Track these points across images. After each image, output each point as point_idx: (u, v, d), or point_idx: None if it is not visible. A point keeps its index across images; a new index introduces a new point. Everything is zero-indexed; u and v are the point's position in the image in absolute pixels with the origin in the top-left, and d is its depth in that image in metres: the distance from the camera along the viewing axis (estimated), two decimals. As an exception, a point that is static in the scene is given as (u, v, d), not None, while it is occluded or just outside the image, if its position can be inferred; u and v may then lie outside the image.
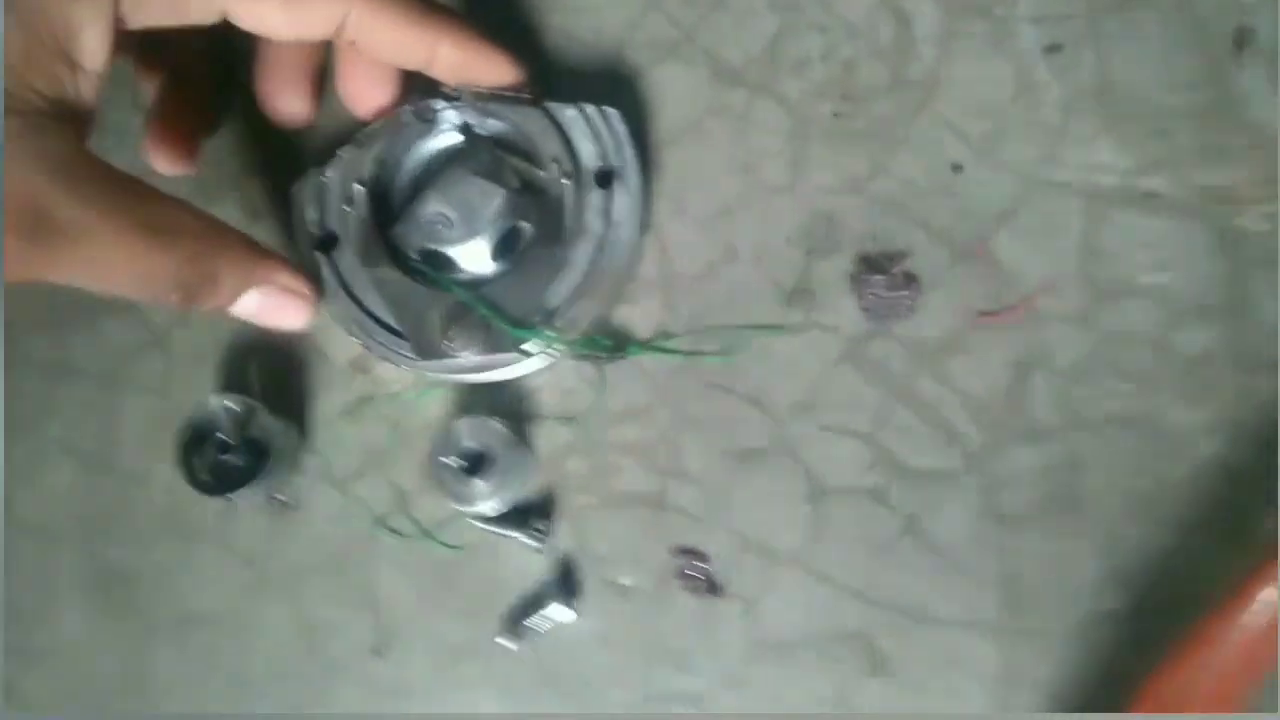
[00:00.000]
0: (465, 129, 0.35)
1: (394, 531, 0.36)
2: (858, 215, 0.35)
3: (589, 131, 0.34)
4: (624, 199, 0.33)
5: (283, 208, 0.37)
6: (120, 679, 0.37)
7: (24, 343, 0.39)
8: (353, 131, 0.36)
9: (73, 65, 0.26)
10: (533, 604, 0.34)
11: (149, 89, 0.35)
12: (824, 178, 0.35)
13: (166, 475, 0.36)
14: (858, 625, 0.33)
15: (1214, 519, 0.32)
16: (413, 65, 0.32)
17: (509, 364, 0.33)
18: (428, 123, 0.35)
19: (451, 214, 0.33)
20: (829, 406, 0.34)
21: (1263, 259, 0.33)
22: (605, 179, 0.34)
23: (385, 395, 0.37)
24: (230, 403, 0.35)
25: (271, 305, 0.31)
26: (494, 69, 0.33)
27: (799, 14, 0.36)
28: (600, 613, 0.34)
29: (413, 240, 0.33)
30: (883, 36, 0.36)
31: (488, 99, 0.34)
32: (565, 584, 0.35)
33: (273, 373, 0.37)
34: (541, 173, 0.34)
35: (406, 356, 0.33)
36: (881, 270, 0.34)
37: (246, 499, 0.35)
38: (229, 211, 0.38)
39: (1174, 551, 0.32)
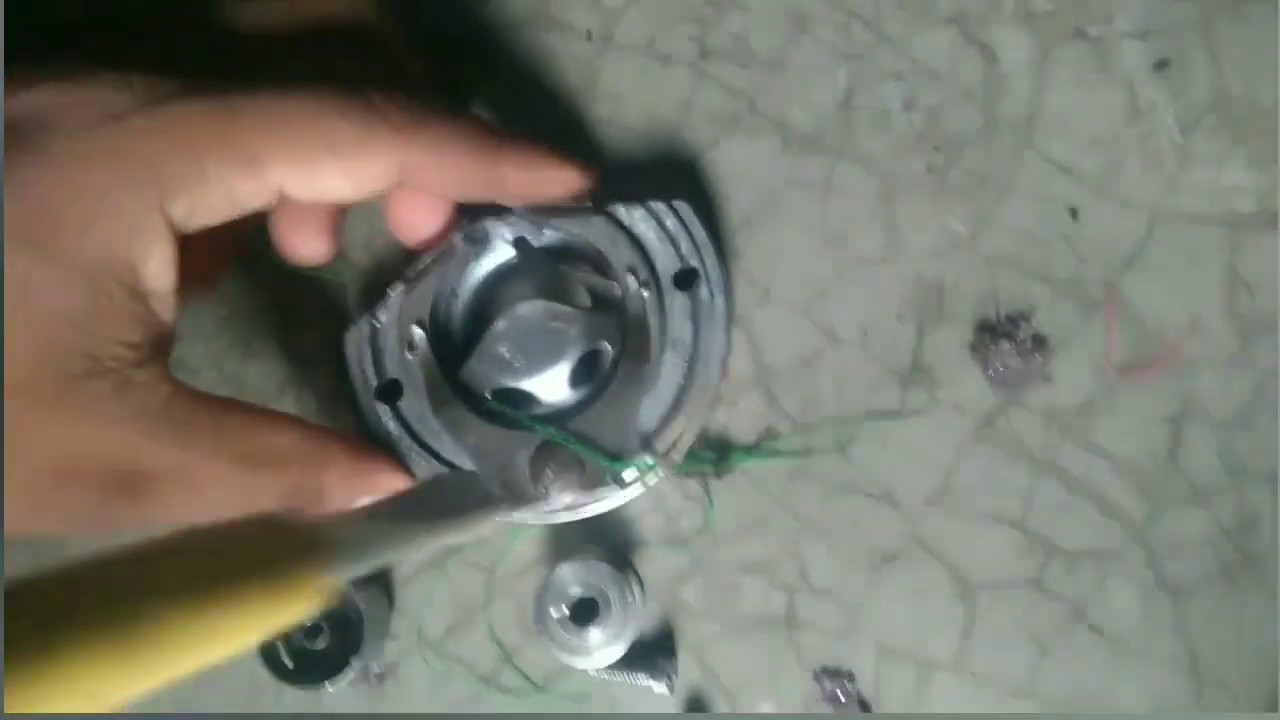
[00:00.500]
0: (519, 243, 0.45)
1: (505, 691, 0.46)
2: (969, 278, 0.45)
3: (661, 231, 0.44)
4: (709, 299, 0.43)
5: (329, 351, 0.47)
6: None
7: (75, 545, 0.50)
8: (394, 264, 0.46)
9: (143, 296, 0.34)
10: (671, 752, 0.44)
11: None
12: (924, 241, 0.45)
13: (247, 664, 0.47)
14: (1032, 713, 0.42)
15: None
16: (478, 198, 0.42)
17: (608, 498, 0.43)
18: (479, 243, 0.45)
19: (524, 346, 0.43)
20: (967, 493, 0.44)
21: None
22: (686, 280, 0.44)
23: (473, 543, 0.47)
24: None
25: None
26: (563, 181, 0.42)
27: (869, 63, 0.46)
28: (744, 753, 0.44)
29: (484, 379, 0.44)
30: (968, 75, 0.46)
31: (545, 211, 0.44)
32: (701, 726, 0.44)
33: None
34: (615, 285, 0.44)
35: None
36: (1006, 336, 0.44)
37: (339, 683, 0.45)
38: (274, 365, 0.49)
39: (1371, 609, 0.41)
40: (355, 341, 0.45)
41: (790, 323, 0.46)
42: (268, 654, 0.46)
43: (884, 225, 0.46)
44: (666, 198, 0.44)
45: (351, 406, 0.45)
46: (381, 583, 0.48)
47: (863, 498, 0.45)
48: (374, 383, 0.44)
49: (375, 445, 0.43)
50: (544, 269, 0.45)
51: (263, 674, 0.46)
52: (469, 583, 0.47)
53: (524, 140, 0.41)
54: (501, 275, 0.46)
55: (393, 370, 0.44)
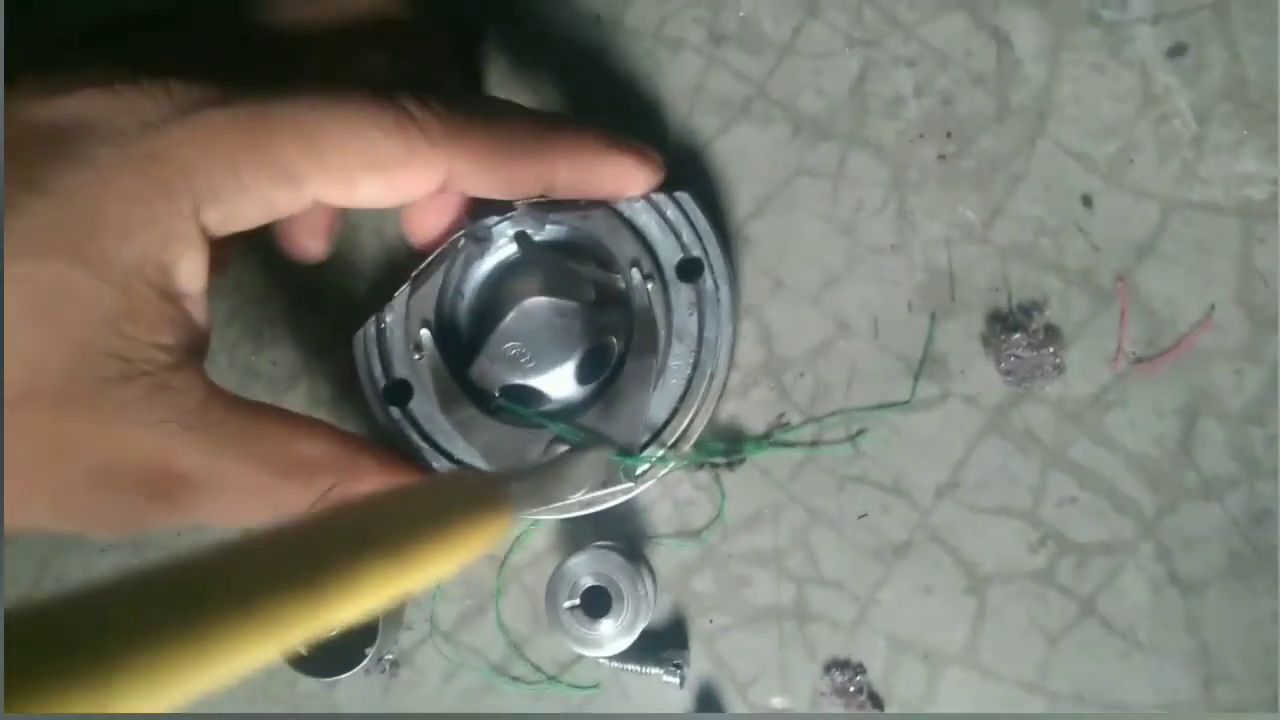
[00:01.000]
0: (521, 238, 0.45)
1: (516, 680, 0.46)
2: (981, 267, 0.45)
3: (662, 222, 0.44)
4: (714, 289, 0.43)
5: (342, 340, 0.47)
6: None
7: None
8: (404, 251, 0.46)
9: (176, 298, 0.34)
10: (681, 743, 0.45)
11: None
12: (936, 229, 0.45)
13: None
14: (1039, 713, 0.43)
15: None
16: (526, 196, 0.42)
17: (619, 492, 0.43)
18: (482, 241, 0.45)
19: (530, 343, 0.43)
20: (978, 485, 0.44)
21: None
22: (690, 271, 0.44)
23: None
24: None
25: None
26: (625, 176, 0.42)
27: (881, 48, 0.46)
28: (755, 743, 0.44)
29: (492, 377, 0.44)
30: (981, 61, 0.45)
31: (545, 205, 0.44)
32: (712, 716, 0.45)
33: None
34: (619, 278, 0.44)
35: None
36: (1018, 327, 0.44)
37: (353, 672, 0.46)
38: (286, 353, 0.49)
39: (1382, 603, 0.41)
40: (363, 343, 0.45)
41: (801, 313, 0.46)
42: (282, 644, 0.46)
43: (895, 213, 0.46)
44: (670, 187, 0.44)
45: (362, 407, 0.46)
46: (393, 573, 0.48)
47: (873, 489, 0.45)
48: (383, 384, 0.45)
49: (396, 451, 0.44)
50: (547, 264, 0.45)
51: (277, 662, 0.46)
52: (481, 573, 0.48)
53: (580, 133, 0.41)
54: (505, 272, 0.46)
55: (401, 371, 0.45)
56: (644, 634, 0.44)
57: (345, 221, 0.46)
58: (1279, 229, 0.43)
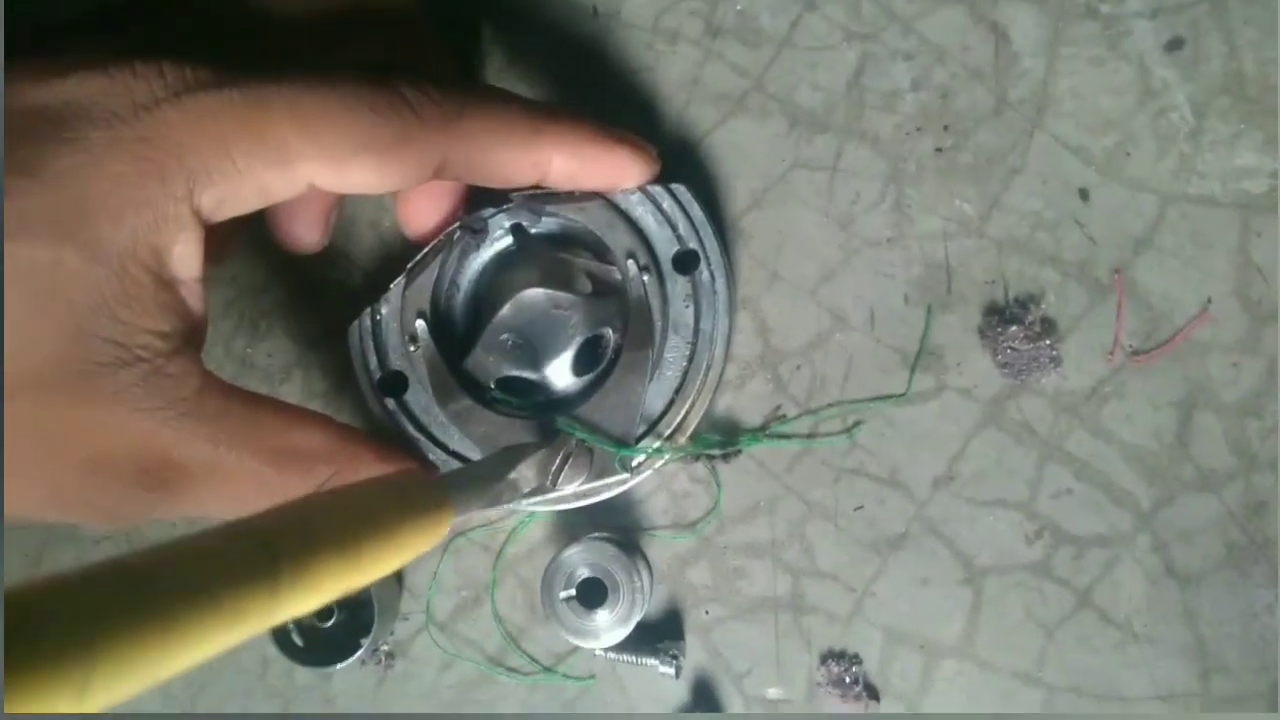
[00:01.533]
0: (516, 229, 0.45)
1: (512, 672, 0.46)
2: (977, 260, 0.45)
3: (658, 214, 0.44)
4: (710, 281, 0.43)
5: (337, 332, 0.48)
6: None
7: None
8: (399, 244, 0.47)
9: (171, 284, 0.34)
10: (677, 734, 0.45)
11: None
12: (933, 222, 0.45)
13: (257, 643, 0.47)
14: (1036, 713, 0.43)
15: None
16: (520, 185, 0.42)
17: (615, 483, 0.43)
18: (478, 233, 0.45)
19: (526, 335, 0.43)
20: (974, 478, 0.44)
21: None
22: (686, 263, 0.44)
23: (481, 526, 0.47)
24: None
25: None
26: (620, 168, 0.42)
27: (879, 42, 0.46)
28: (751, 735, 0.45)
29: (488, 369, 0.44)
30: (978, 55, 0.46)
31: (542, 197, 0.44)
32: (707, 707, 0.45)
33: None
34: (615, 270, 0.44)
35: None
36: (1015, 320, 0.44)
37: (348, 663, 0.46)
38: (282, 345, 0.49)
39: (1377, 596, 0.41)
40: (358, 335, 0.45)
41: (798, 305, 0.46)
42: (278, 633, 0.47)
43: (892, 207, 0.46)
44: (666, 180, 0.44)
45: (358, 400, 0.46)
46: (389, 565, 0.48)
47: (870, 481, 0.45)
48: (378, 376, 0.45)
49: (390, 441, 0.44)
50: (543, 256, 0.45)
51: (273, 653, 0.46)
52: (477, 564, 0.48)
53: (577, 123, 0.41)
54: (501, 264, 0.46)
55: (396, 363, 0.45)
56: (640, 625, 0.44)
57: (341, 214, 0.46)
58: (1277, 222, 0.43)
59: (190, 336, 0.36)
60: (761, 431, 0.46)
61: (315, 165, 0.35)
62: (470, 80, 0.48)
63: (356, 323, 0.45)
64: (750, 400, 0.46)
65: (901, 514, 0.45)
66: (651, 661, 0.45)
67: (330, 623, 0.46)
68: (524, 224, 0.45)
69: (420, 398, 0.44)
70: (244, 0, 0.39)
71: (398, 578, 0.48)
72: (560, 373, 0.44)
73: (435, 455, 0.44)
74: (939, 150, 0.46)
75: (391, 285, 0.45)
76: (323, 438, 0.38)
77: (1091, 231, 0.44)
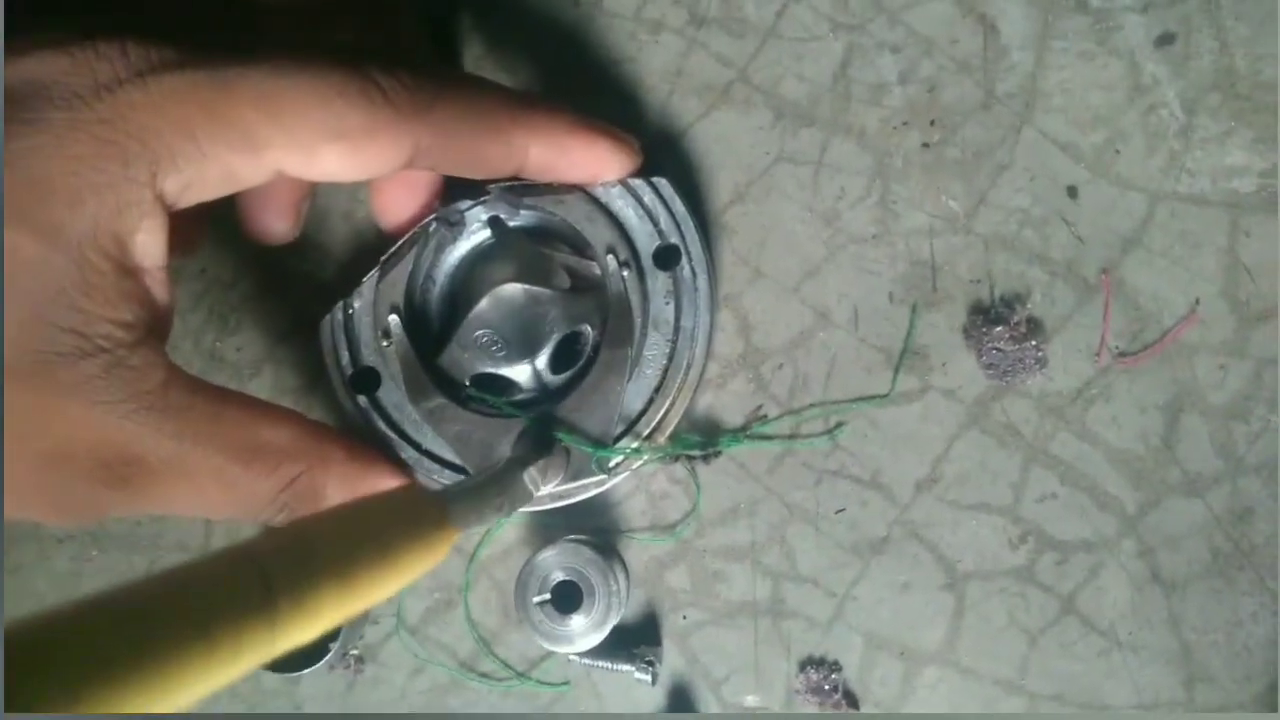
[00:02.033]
0: (494, 222, 0.44)
1: (484, 677, 0.46)
2: (964, 258, 0.44)
3: (639, 208, 0.43)
4: (692, 277, 0.42)
5: (308, 327, 0.47)
6: None
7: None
8: (373, 237, 0.45)
9: (134, 273, 0.33)
10: (653, 741, 0.44)
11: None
12: (919, 219, 0.45)
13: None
14: (1020, 714, 0.42)
15: (1405, 562, 0.40)
16: (496, 176, 0.41)
17: (592, 484, 0.42)
18: (454, 226, 0.44)
19: (503, 331, 0.42)
20: (957, 480, 0.44)
21: None
22: (667, 259, 0.43)
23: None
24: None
25: None
26: (598, 160, 0.41)
27: (865, 34, 0.45)
28: (728, 742, 0.44)
29: (463, 365, 0.43)
30: (967, 48, 0.45)
31: (520, 190, 0.43)
32: (685, 714, 0.44)
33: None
34: (595, 265, 0.43)
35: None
36: (1000, 320, 0.43)
37: (316, 667, 0.45)
38: (252, 339, 0.48)
39: (1364, 604, 0.40)
40: (330, 329, 0.44)
41: (781, 303, 0.46)
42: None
43: (878, 202, 0.45)
44: (648, 173, 0.43)
45: (329, 396, 0.45)
46: (359, 566, 0.47)
47: (852, 484, 0.44)
48: (350, 372, 0.44)
49: (361, 440, 0.43)
50: (521, 250, 0.44)
51: (238, 657, 0.45)
52: (450, 567, 0.47)
53: (554, 113, 0.40)
54: (478, 258, 0.45)
55: (369, 358, 0.44)
56: (616, 630, 0.44)
57: (314, 205, 0.45)
58: (1266, 222, 0.43)
59: (154, 327, 0.34)
60: (742, 432, 0.45)
61: (283, 151, 0.34)
62: (446, 67, 0.47)
63: (329, 317, 0.44)
64: (731, 400, 0.45)
65: (883, 517, 0.44)
66: (627, 667, 0.44)
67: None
68: (502, 217, 0.44)
69: (393, 395, 0.43)
70: None
71: (368, 579, 0.47)
72: (538, 370, 0.43)
73: (408, 454, 0.43)
74: (926, 145, 0.45)
75: (364, 279, 0.44)
76: (291, 434, 0.37)
77: (1079, 230, 0.44)
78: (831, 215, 0.45)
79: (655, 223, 0.43)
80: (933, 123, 0.45)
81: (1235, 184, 0.43)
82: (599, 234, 0.43)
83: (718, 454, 0.45)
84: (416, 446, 0.43)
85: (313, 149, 0.34)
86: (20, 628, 0.21)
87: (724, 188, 0.46)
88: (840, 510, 0.44)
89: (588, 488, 0.43)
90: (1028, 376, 0.44)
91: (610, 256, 0.42)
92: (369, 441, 0.43)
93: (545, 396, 0.43)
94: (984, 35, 0.45)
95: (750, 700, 0.44)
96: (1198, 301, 0.43)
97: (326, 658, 0.45)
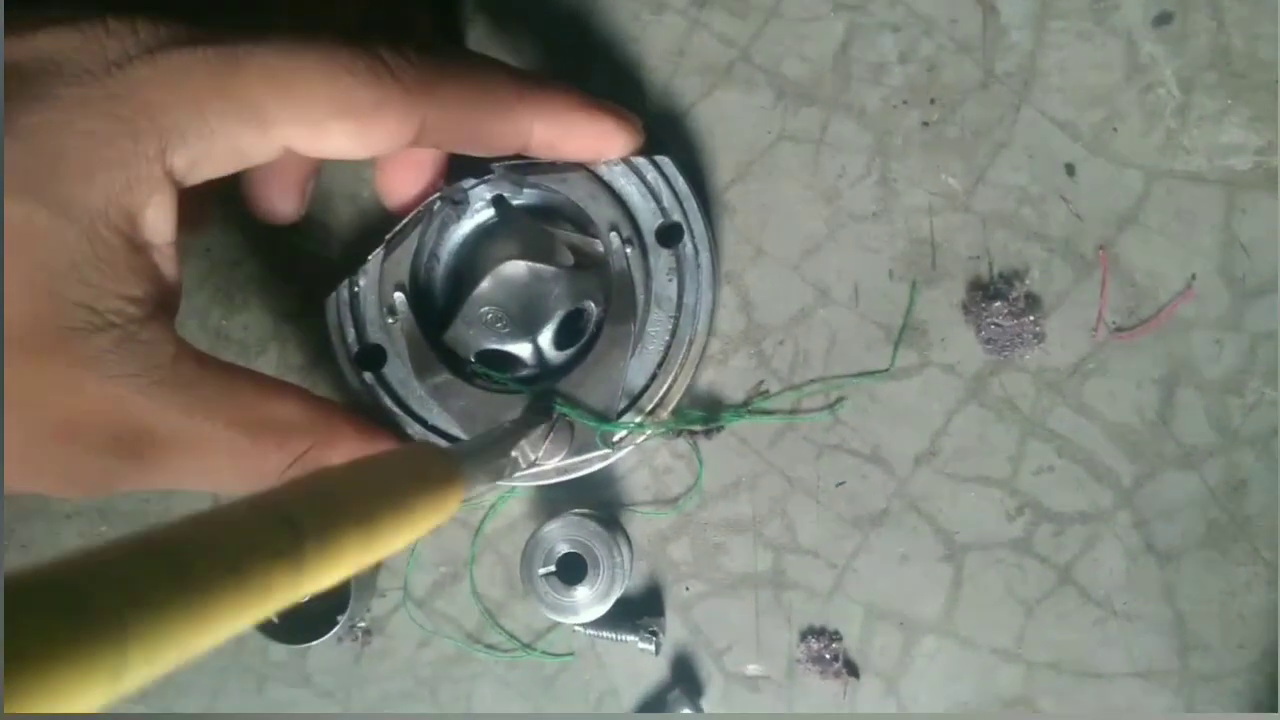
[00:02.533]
0: (498, 201, 0.45)
1: (490, 649, 0.46)
2: (963, 235, 0.45)
3: (642, 186, 0.44)
4: (694, 254, 0.43)
5: (313, 306, 0.47)
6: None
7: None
8: (378, 216, 0.46)
9: (144, 248, 0.33)
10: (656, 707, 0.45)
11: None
12: (919, 197, 0.45)
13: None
14: (1016, 690, 0.43)
15: (1395, 533, 0.41)
16: (501, 153, 0.41)
17: (596, 459, 0.43)
18: (458, 204, 0.44)
19: (507, 308, 0.43)
20: (956, 454, 0.44)
21: None
22: (669, 236, 0.44)
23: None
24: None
25: None
26: (603, 137, 0.42)
27: (866, 13, 0.46)
28: (730, 709, 0.45)
29: (468, 342, 0.44)
30: (966, 27, 0.45)
31: (524, 168, 0.44)
32: (687, 684, 0.45)
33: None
34: (598, 242, 0.44)
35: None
36: (999, 295, 0.44)
37: (325, 640, 0.46)
38: (256, 318, 0.49)
39: (1355, 573, 0.41)
40: (335, 307, 0.45)
41: (782, 280, 0.46)
42: (252, 610, 0.46)
43: (878, 181, 0.46)
44: (651, 151, 0.44)
45: (335, 373, 0.46)
46: (366, 539, 0.48)
47: (852, 457, 0.45)
48: (356, 349, 0.44)
49: (368, 415, 0.43)
50: (525, 228, 0.44)
51: (248, 630, 0.46)
52: (456, 540, 0.48)
53: (557, 91, 0.40)
54: (481, 236, 0.46)
55: (374, 336, 0.44)
56: (620, 601, 0.44)
57: (319, 184, 0.46)
58: (1261, 199, 0.43)
59: (164, 303, 0.35)
60: (744, 407, 0.46)
61: (291, 128, 0.34)
62: (451, 44, 0.48)
63: (334, 295, 0.45)
64: (732, 376, 0.46)
65: (883, 490, 0.45)
66: (631, 638, 0.45)
67: (306, 599, 0.46)
68: (505, 195, 0.45)
69: (399, 371, 0.44)
70: None
71: (375, 553, 0.48)
72: (542, 347, 0.44)
73: (414, 429, 0.44)
74: (925, 124, 0.46)
75: (369, 257, 0.44)
76: (299, 409, 0.38)
77: (1077, 207, 0.44)
78: (832, 194, 0.46)
79: (658, 200, 0.44)
80: (932, 101, 0.46)
81: (1232, 161, 0.44)
82: (602, 212, 0.43)
83: (720, 429, 0.46)
84: (422, 422, 0.44)
85: (320, 125, 0.34)
86: (55, 564, 0.21)
87: (726, 167, 0.47)
88: (840, 483, 0.45)
89: (592, 462, 0.43)
90: (1026, 351, 0.44)
91: (613, 234, 0.43)
92: (375, 417, 0.43)
93: (549, 372, 0.44)
94: (983, 15, 0.46)
95: (752, 669, 0.45)
96: (1194, 277, 0.44)
97: (334, 630, 0.45)
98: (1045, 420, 0.44)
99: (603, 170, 0.44)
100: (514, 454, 0.39)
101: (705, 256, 0.43)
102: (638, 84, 0.48)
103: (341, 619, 0.46)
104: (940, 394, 0.45)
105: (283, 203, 0.42)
